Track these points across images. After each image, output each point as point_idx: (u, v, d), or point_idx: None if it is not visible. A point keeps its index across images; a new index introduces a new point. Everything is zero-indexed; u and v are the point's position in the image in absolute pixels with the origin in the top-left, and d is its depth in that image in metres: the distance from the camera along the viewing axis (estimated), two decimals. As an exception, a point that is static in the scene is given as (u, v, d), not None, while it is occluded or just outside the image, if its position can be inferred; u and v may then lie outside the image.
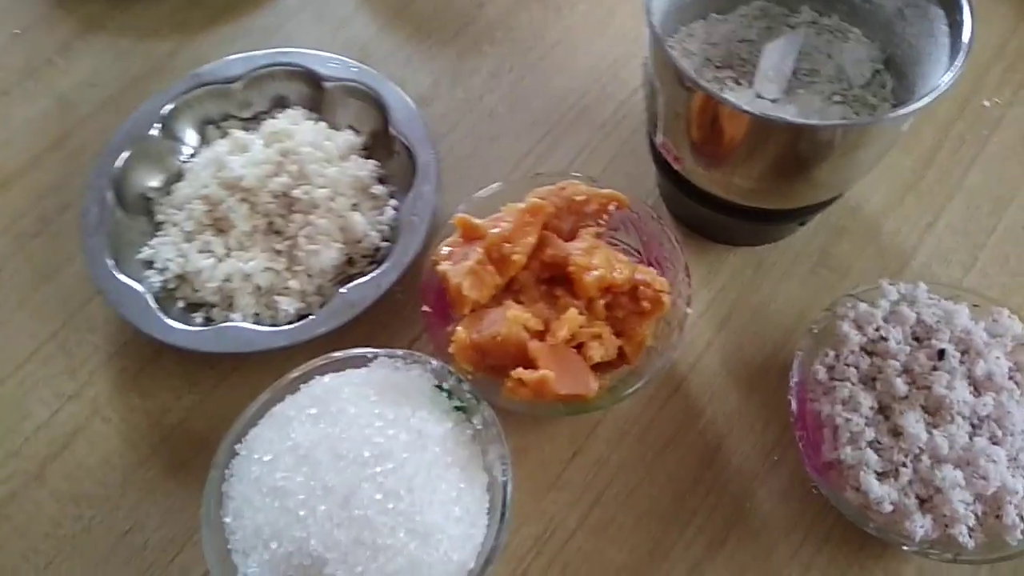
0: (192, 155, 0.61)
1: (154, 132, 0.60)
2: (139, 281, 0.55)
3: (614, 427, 0.53)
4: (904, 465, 0.44)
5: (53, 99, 0.68)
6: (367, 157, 0.61)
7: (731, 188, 0.50)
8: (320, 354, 0.55)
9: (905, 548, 0.43)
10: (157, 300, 0.54)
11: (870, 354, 0.48)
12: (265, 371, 0.55)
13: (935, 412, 0.45)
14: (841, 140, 0.44)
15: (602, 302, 0.50)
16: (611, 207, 0.52)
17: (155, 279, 0.56)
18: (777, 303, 0.56)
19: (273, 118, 0.61)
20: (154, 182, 0.60)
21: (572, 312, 0.48)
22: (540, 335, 0.48)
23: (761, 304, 0.56)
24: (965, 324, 0.47)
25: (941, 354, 0.46)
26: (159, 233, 0.58)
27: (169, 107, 0.60)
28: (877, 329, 0.47)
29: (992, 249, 0.57)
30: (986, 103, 0.63)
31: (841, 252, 0.58)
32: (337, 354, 0.49)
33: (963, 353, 0.46)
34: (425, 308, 0.50)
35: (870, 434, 0.45)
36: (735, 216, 0.52)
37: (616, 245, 0.54)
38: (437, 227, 0.56)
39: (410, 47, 0.68)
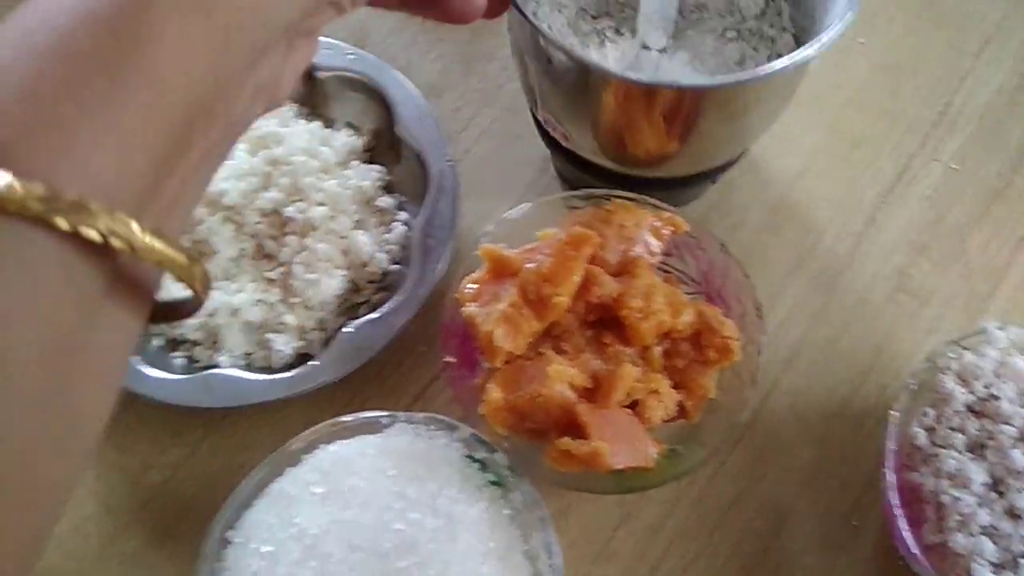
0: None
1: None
2: (107, 315, 0.47)
3: (669, 487, 0.45)
4: None
5: None
6: (369, 161, 0.52)
7: (628, 160, 0.45)
8: (322, 401, 0.47)
9: None
10: (129, 338, 0.46)
11: (978, 415, 0.40)
12: (259, 420, 0.48)
13: None
14: (740, 94, 0.39)
15: (659, 349, 0.42)
16: (666, 232, 0.44)
17: (126, 312, 0.48)
18: (851, 337, 0.49)
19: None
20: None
21: (628, 369, 0.40)
22: (589, 393, 0.41)
23: (832, 338, 0.49)
24: None
25: None
26: (129, 256, 0.50)
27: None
28: (987, 386, 0.40)
29: (1095, 267, 0.50)
30: (1079, 93, 0.55)
31: (921, 273, 0.50)
32: (347, 418, 0.41)
33: None
34: (448, 359, 0.43)
35: (984, 517, 0.38)
36: (640, 188, 0.46)
37: (669, 274, 0.46)
38: (455, 249, 0.48)
39: (415, 26, 0.59)
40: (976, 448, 0.40)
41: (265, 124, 0.50)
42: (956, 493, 0.38)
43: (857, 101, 0.55)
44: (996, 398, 0.40)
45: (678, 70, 0.45)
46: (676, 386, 0.43)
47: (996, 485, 0.39)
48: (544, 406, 0.40)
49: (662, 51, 0.46)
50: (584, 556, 0.44)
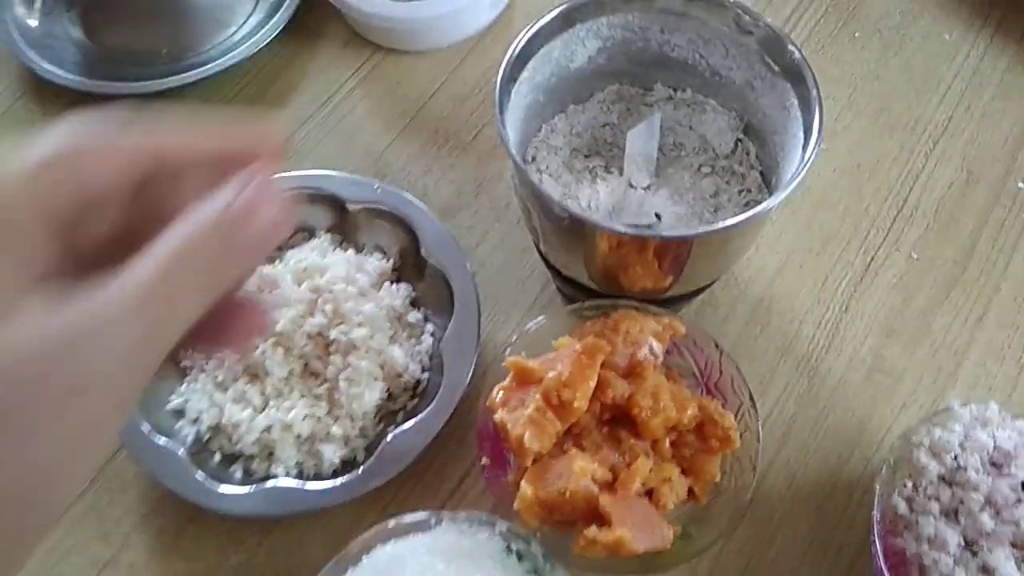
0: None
1: (174, 270, 0.57)
2: (170, 435, 0.52)
3: (683, 564, 0.51)
4: None
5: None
6: (397, 280, 0.59)
7: (623, 287, 0.51)
8: (367, 501, 0.53)
9: None
10: (191, 455, 0.52)
11: (950, 484, 0.46)
12: (311, 521, 0.53)
13: None
14: (712, 239, 0.46)
15: (668, 441, 0.48)
16: (668, 336, 0.50)
17: (187, 431, 0.53)
18: (836, 414, 0.55)
19: (297, 246, 0.59)
20: (177, 324, 0.57)
21: (642, 461, 0.46)
22: (609, 486, 0.46)
23: (819, 416, 0.55)
24: None
25: None
26: (188, 379, 0.55)
27: (187, 242, 0.58)
28: (955, 458, 0.46)
29: (1045, 342, 0.56)
30: (1020, 185, 0.62)
31: (893, 354, 0.57)
32: (397, 520, 0.46)
33: None
34: (484, 461, 0.48)
35: (960, 574, 0.43)
36: (640, 305, 0.52)
37: (671, 370, 0.52)
38: (479, 354, 0.54)
39: (428, 155, 0.66)
40: (950, 514, 0.45)
41: (308, 256, 0.57)
42: (935, 555, 0.44)
43: (825, 203, 0.62)
44: (964, 468, 0.46)
45: (661, 204, 0.52)
46: (685, 473, 0.48)
47: (970, 546, 0.44)
48: (571, 500, 0.45)
49: (646, 189, 0.52)
50: (612, 632, 0.49)
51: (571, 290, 0.55)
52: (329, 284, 0.54)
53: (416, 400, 0.55)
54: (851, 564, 0.50)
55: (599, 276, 0.50)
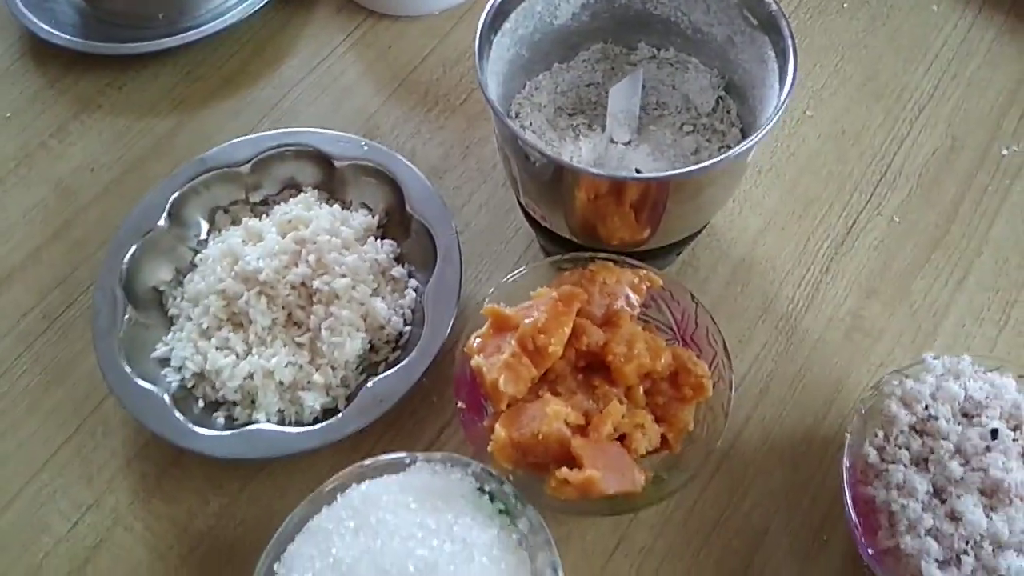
0: (203, 243, 0.59)
1: (162, 223, 0.58)
2: (154, 381, 0.53)
3: (657, 512, 0.51)
4: (965, 553, 0.42)
5: (51, 186, 0.66)
6: (382, 236, 0.59)
7: (602, 238, 0.51)
8: (347, 450, 0.53)
9: None
10: (175, 400, 0.53)
11: (920, 433, 0.46)
12: (292, 468, 0.54)
13: (992, 495, 0.44)
14: (687, 184, 0.46)
15: (641, 389, 0.49)
16: (644, 287, 0.51)
17: (172, 378, 0.54)
18: (813, 372, 0.55)
19: (284, 202, 0.60)
20: (165, 274, 0.58)
21: (614, 406, 0.47)
22: (581, 429, 0.47)
23: (797, 374, 0.55)
24: (1014, 398, 0.46)
25: (994, 434, 0.45)
26: (173, 328, 0.56)
27: (176, 195, 0.59)
28: (926, 407, 0.46)
29: (1023, 306, 0.57)
30: (1004, 151, 0.63)
31: (872, 314, 0.57)
32: (374, 460, 0.47)
33: (1015, 430, 0.45)
34: (460, 404, 0.49)
35: (928, 520, 0.43)
36: (618, 257, 0.52)
37: (649, 323, 0.53)
38: (461, 310, 0.55)
39: (417, 116, 0.67)
40: (920, 462, 0.46)
41: (292, 209, 0.57)
42: (904, 501, 0.44)
43: (809, 167, 0.63)
44: (934, 418, 0.46)
45: (641, 160, 0.53)
46: (658, 421, 0.49)
47: (939, 493, 0.45)
48: (544, 442, 0.46)
49: (627, 144, 0.53)
50: (585, 578, 0.50)
51: (552, 245, 0.56)
52: (313, 235, 0.55)
53: (398, 353, 0.56)
54: (824, 515, 0.50)
55: (578, 227, 0.51)
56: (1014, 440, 0.45)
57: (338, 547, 0.44)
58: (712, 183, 0.47)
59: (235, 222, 0.60)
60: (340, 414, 0.51)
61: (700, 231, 0.54)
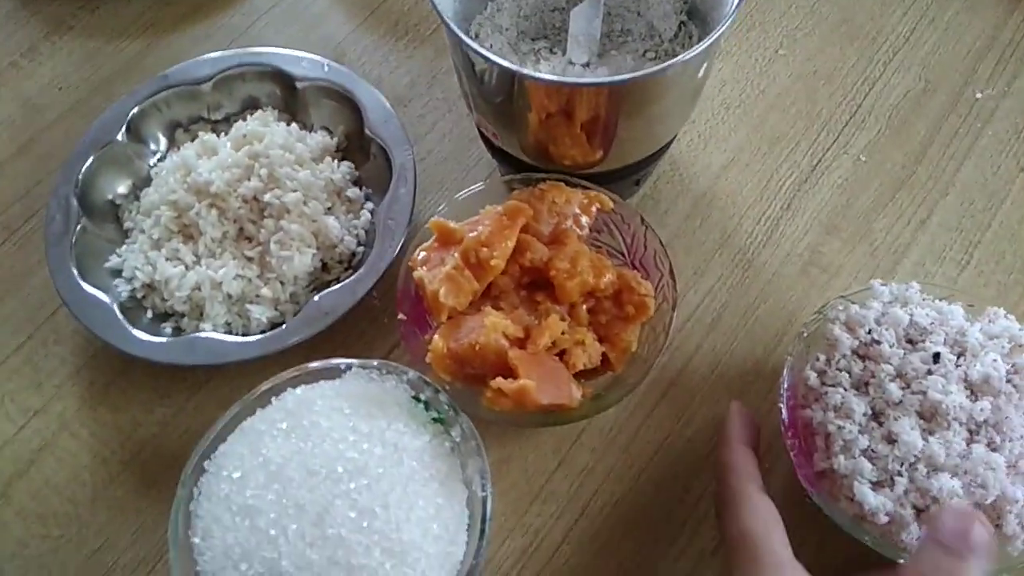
0: (160, 159, 0.59)
1: (120, 136, 0.58)
2: (106, 291, 0.53)
3: (600, 435, 0.51)
4: (899, 474, 0.42)
5: (18, 104, 0.66)
6: (342, 159, 0.59)
7: (554, 158, 0.50)
8: (295, 364, 0.53)
9: (902, 561, 0.42)
10: (125, 310, 0.53)
11: (862, 358, 0.46)
12: (239, 382, 0.54)
13: (930, 418, 0.43)
14: (635, 94, 0.44)
15: (585, 307, 0.48)
16: (594, 209, 0.50)
17: (123, 288, 0.54)
18: (767, 305, 0.54)
19: (243, 120, 0.59)
20: (122, 188, 0.58)
21: (554, 319, 0.46)
22: (521, 343, 0.46)
23: (750, 306, 0.54)
24: (960, 325, 0.45)
25: (936, 357, 0.44)
26: (127, 241, 0.56)
27: (135, 110, 0.58)
28: (869, 332, 0.46)
29: (987, 247, 0.56)
30: (979, 95, 0.61)
31: (832, 251, 0.56)
32: (310, 365, 0.47)
33: (958, 356, 0.44)
34: (401, 316, 0.49)
35: (864, 442, 0.43)
36: (570, 179, 0.51)
37: (600, 248, 0.52)
38: (415, 231, 0.54)
39: (386, 45, 0.66)
40: (860, 385, 0.45)
41: (248, 124, 0.57)
42: (841, 423, 0.44)
43: (778, 105, 0.62)
44: (877, 343, 0.45)
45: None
46: (601, 340, 0.48)
47: (876, 416, 0.44)
48: (481, 353, 0.45)
49: (585, 66, 0.52)
50: (523, 497, 0.50)
51: (507, 167, 0.55)
52: (266, 149, 0.55)
53: (351, 272, 0.55)
54: (768, 446, 0.50)
55: (530, 147, 0.50)
56: (956, 366, 0.44)
57: (269, 448, 0.43)
58: (663, 95, 0.46)
59: (195, 139, 0.59)
60: (284, 325, 0.51)
61: (658, 155, 0.53)
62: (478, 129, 0.54)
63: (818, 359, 0.46)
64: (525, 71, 0.44)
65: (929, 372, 0.44)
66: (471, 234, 0.48)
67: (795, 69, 0.63)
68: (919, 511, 0.42)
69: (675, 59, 0.42)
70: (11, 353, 0.55)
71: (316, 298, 0.52)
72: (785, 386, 0.46)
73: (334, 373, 0.47)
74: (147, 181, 0.58)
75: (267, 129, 0.56)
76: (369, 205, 0.58)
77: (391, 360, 0.54)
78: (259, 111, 0.60)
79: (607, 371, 0.49)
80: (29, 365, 0.55)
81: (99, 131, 0.58)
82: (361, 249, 0.56)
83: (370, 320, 0.55)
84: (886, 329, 0.46)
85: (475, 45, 0.44)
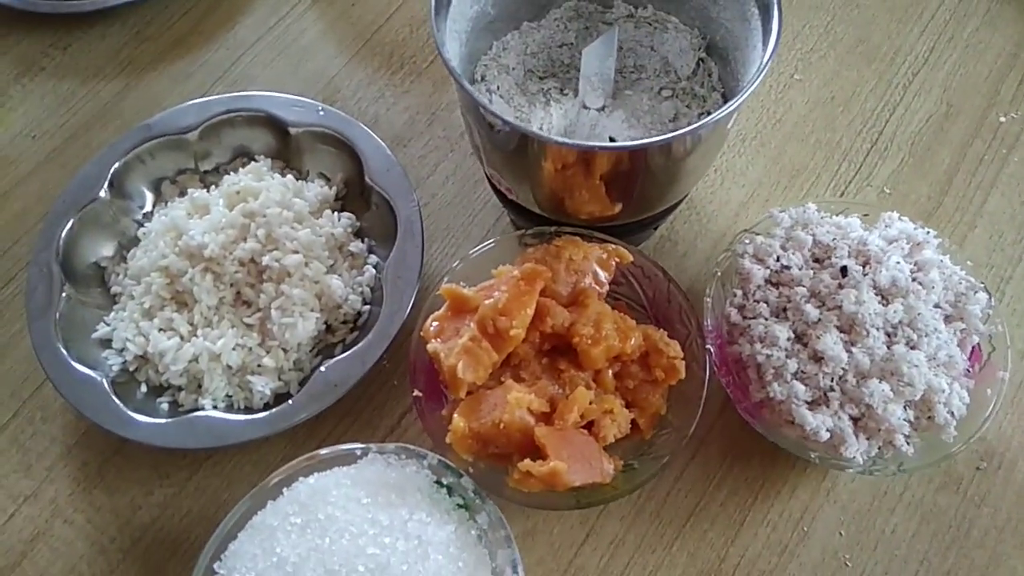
0: (148, 215, 0.56)
1: (102, 193, 0.54)
2: (95, 364, 0.50)
3: (628, 502, 0.48)
4: (832, 389, 0.43)
5: (-11, 154, 0.62)
6: (341, 208, 0.56)
7: (569, 212, 0.47)
8: (301, 438, 0.50)
9: (851, 471, 0.44)
10: (116, 385, 0.49)
11: (776, 285, 0.47)
12: (241, 458, 0.51)
13: (850, 330, 0.45)
14: (662, 154, 0.42)
15: (610, 372, 0.46)
16: (612, 263, 0.47)
17: (113, 361, 0.51)
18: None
19: (235, 171, 0.56)
20: (106, 250, 0.54)
21: (581, 392, 0.43)
22: (546, 417, 0.44)
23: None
24: (860, 235, 0.47)
25: (844, 271, 0.45)
26: (115, 307, 0.53)
27: (118, 164, 0.55)
28: (778, 259, 0.47)
29: (1018, 282, 0.53)
30: (1002, 119, 0.59)
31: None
32: (322, 452, 0.44)
33: (864, 265, 0.46)
34: (416, 393, 0.46)
35: (793, 365, 0.44)
36: (585, 231, 0.49)
37: (619, 300, 0.50)
38: (424, 287, 0.51)
39: (381, 79, 0.63)
40: (779, 312, 0.46)
41: (241, 179, 0.54)
42: (768, 352, 0.44)
43: (796, 135, 0.59)
44: (787, 268, 0.46)
45: (615, 128, 0.49)
46: (629, 406, 0.46)
47: (800, 338, 0.45)
48: (506, 432, 0.43)
49: (600, 110, 0.49)
50: (551, 572, 0.47)
51: (520, 219, 0.52)
52: (262, 208, 0.51)
53: (356, 333, 0.52)
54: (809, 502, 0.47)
55: (545, 200, 0.47)
56: (864, 275, 0.45)
57: (283, 545, 0.41)
58: (690, 152, 0.43)
59: (183, 193, 0.56)
60: (290, 400, 0.48)
61: (678, 204, 0.50)
62: (489, 181, 0.51)
63: (735, 295, 0.47)
64: (543, 134, 0.41)
65: (840, 286, 0.45)
66: (487, 301, 0.45)
67: (812, 95, 0.61)
68: (856, 420, 0.44)
69: (707, 119, 0.39)
70: (-4, 433, 0.52)
71: (323, 368, 0.48)
72: (709, 327, 0.46)
73: (349, 459, 0.44)
74: (134, 241, 0.54)
75: (262, 184, 0.53)
76: (372, 258, 0.54)
77: (403, 426, 0.52)
78: (252, 163, 0.56)
79: (635, 436, 0.46)
80: (16, 446, 0.52)
81: (79, 188, 0.54)
82: (367, 308, 0.53)
83: (379, 384, 0.52)
84: (792, 253, 0.47)
85: (491, 107, 0.41)
